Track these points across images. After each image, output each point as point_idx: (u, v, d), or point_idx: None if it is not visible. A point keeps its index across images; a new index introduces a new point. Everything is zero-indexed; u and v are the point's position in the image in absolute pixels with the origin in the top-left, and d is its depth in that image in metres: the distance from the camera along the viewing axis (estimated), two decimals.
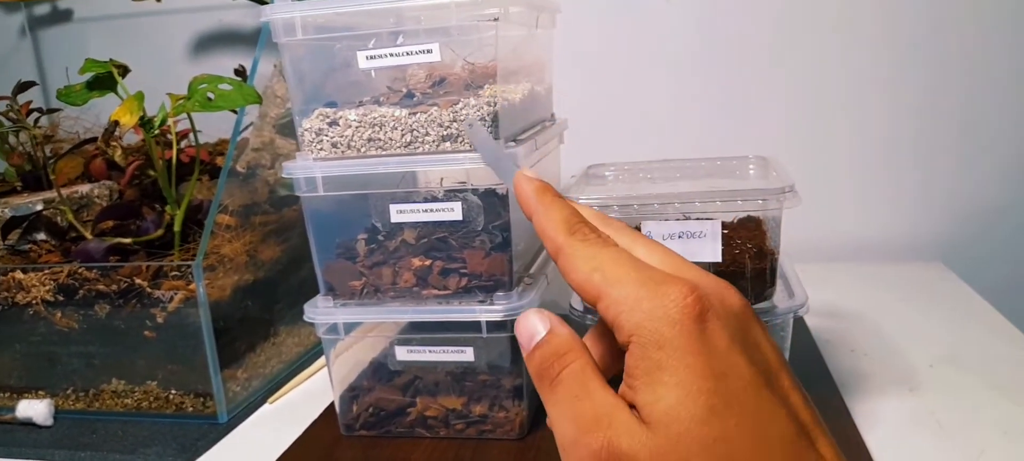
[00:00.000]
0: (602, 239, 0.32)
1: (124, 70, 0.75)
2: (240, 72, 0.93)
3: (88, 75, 0.72)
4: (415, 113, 0.56)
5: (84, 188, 0.86)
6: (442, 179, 0.60)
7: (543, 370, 0.31)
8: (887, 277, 0.93)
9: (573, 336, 0.32)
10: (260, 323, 0.77)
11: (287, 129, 0.80)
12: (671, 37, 0.99)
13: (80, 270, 0.69)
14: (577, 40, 0.97)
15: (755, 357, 0.28)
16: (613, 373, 0.32)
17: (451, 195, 0.58)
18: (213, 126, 0.92)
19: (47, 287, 0.70)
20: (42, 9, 1.17)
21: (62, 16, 1.17)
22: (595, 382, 0.30)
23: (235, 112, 0.71)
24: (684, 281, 0.28)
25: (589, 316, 0.59)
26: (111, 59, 0.74)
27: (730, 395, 0.26)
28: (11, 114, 0.92)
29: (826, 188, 0.99)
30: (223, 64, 1.08)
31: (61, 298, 0.70)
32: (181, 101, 0.69)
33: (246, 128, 0.79)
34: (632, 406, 0.28)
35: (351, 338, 0.63)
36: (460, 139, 0.55)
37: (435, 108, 0.56)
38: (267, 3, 0.88)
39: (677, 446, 0.26)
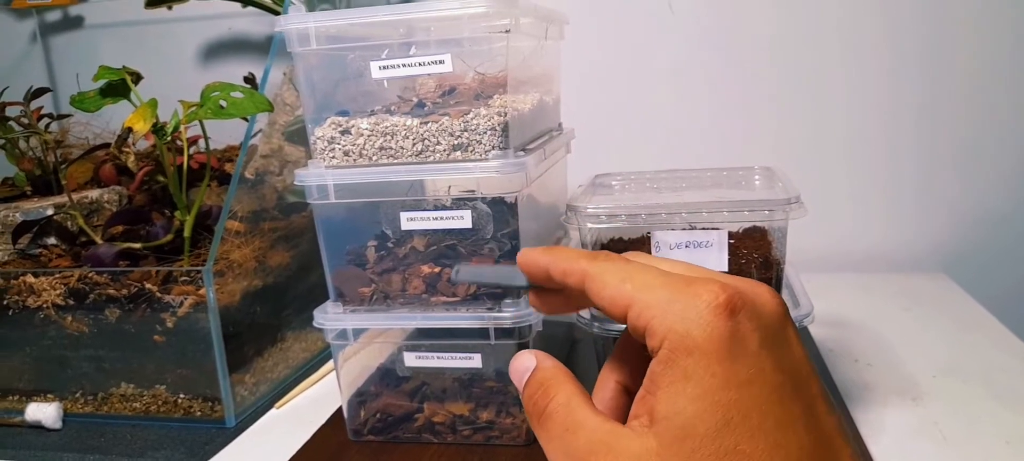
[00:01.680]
0: (625, 257, 0.31)
1: (137, 77, 0.76)
2: (250, 80, 0.94)
3: (102, 82, 0.73)
4: (426, 122, 0.57)
5: (94, 193, 0.87)
6: (450, 187, 0.60)
7: (531, 406, 0.31)
8: (890, 287, 0.94)
9: (558, 367, 0.31)
10: (268, 328, 0.78)
11: (296, 136, 0.81)
12: (676, 48, 1.00)
13: (90, 274, 0.70)
14: (584, 51, 0.98)
15: (785, 361, 0.27)
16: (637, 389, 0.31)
17: (460, 203, 0.58)
18: (221, 133, 0.93)
19: (58, 291, 0.71)
20: (53, 16, 1.18)
21: (73, 23, 1.18)
22: (584, 411, 0.29)
23: (246, 120, 0.72)
24: (715, 280, 0.28)
25: (596, 324, 0.60)
26: (124, 66, 0.75)
27: (752, 405, 0.26)
28: (23, 119, 0.93)
29: (829, 198, 0.99)
30: (232, 71, 1.09)
31: (71, 302, 0.71)
32: (193, 108, 0.70)
33: (255, 135, 0.80)
34: (647, 415, 0.27)
35: (359, 344, 0.64)
36: (470, 148, 0.56)
37: (446, 118, 0.56)
38: (278, 12, 0.89)
39: None
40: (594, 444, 0.28)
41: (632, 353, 0.32)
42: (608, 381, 0.33)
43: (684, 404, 0.26)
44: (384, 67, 0.57)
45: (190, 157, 0.85)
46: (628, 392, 0.32)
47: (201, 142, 0.78)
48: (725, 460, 0.25)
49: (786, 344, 0.28)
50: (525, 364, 0.32)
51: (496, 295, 0.59)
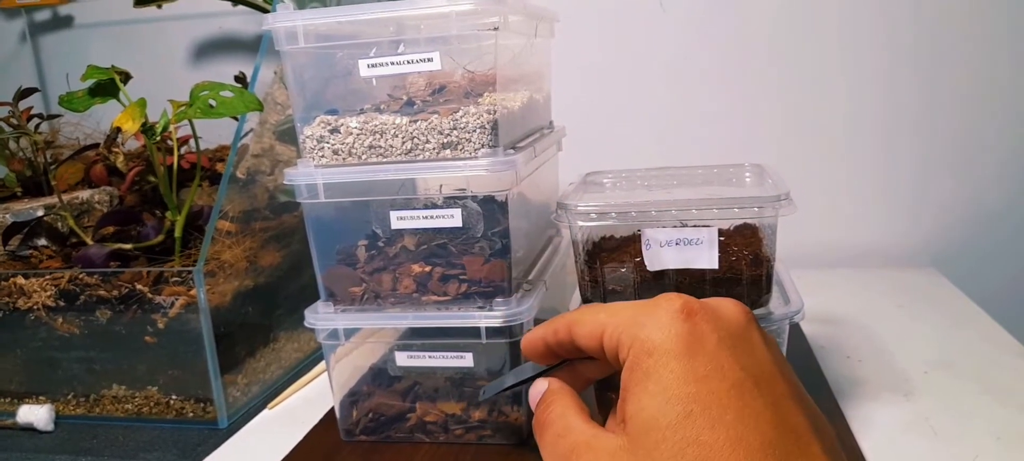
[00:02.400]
0: (605, 306, 0.35)
1: (126, 77, 0.76)
2: (240, 79, 0.94)
3: (90, 81, 0.73)
4: (416, 121, 0.57)
5: (84, 194, 0.86)
6: (442, 186, 0.60)
7: (536, 419, 0.35)
8: (881, 283, 0.94)
9: (562, 387, 0.35)
10: (260, 329, 0.78)
11: (287, 136, 0.80)
12: (668, 45, 1.00)
13: (81, 275, 0.70)
14: (575, 48, 0.98)
15: (746, 360, 0.29)
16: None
17: (451, 202, 0.58)
18: (212, 132, 0.93)
19: (48, 292, 0.71)
20: (43, 15, 1.18)
21: (63, 22, 1.18)
22: (575, 418, 0.33)
23: (236, 119, 0.72)
24: (677, 295, 0.30)
25: None
26: (113, 66, 0.75)
27: (710, 398, 0.27)
28: (12, 120, 0.93)
29: (821, 194, 1.00)
30: (223, 70, 1.09)
31: (62, 303, 0.70)
32: (183, 108, 0.69)
33: (246, 134, 0.80)
34: (622, 421, 0.30)
35: (351, 344, 0.64)
36: (460, 146, 0.56)
37: (435, 116, 0.56)
38: (268, 10, 0.89)
39: (653, 454, 0.27)
40: (578, 445, 0.31)
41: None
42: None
43: (647, 401, 0.28)
44: (372, 65, 0.57)
45: (181, 157, 0.85)
46: None
47: (193, 142, 0.78)
48: (687, 450, 0.26)
49: (748, 346, 0.30)
50: (538, 389, 0.37)
51: (487, 294, 0.59)
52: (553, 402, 0.34)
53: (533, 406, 0.37)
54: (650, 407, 0.28)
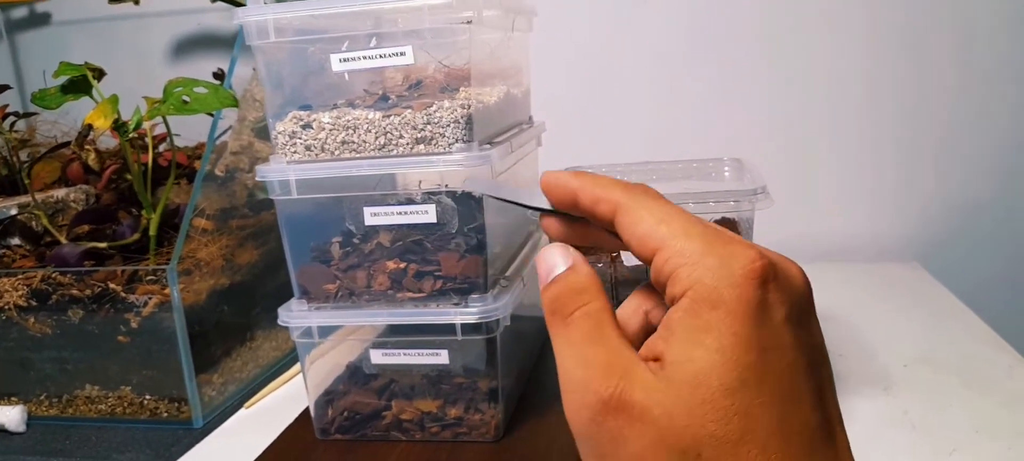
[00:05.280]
0: (662, 197, 0.30)
1: (99, 73, 0.75)
2: (219, 75, 0.93)
3: (63, 78, 0.72)
4: (389, 116, 0.56)
5: (60, 192, 0.85)
6: (420, 182, 0.60)
7: (557, 305, 0.29)
8: (863, 277, 0.94)
9: (594, 277, 0.30)
10: (237, 327, 0.77)
11: (266, 133, 0.79)
12: (651, 39, 1.00)
13: (54, 275, 0.69)
14: (556, 43, 0.98)
15: (805, 339, 0.27)
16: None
17: (426, 198, 0.58)
18: (193, 130, 0.92)
19: (20, 292, 0.70)
20: (19, 12, 1.16)
21: (40, 19, 1.16)
22: (611, 329, 0.28)
23: (211, 115, 0.71)
24: (752, 246, 0.27)
25: None
26: (86, 62, 0.73)
27: (767, 372, 0.26)
28: None
29: (803, 189, 0.99)
30: (203, 67, 1.08)
31: (34, 303, 0.69)
32: (156, 104, 0.69)
33: (225, 132, 0.79)
34: (655, 359, 0.27)
35: (329, 343, 0.63)
36: (434, 141, 0.55)
37: (409, 110, 0.56)
38: (243, 5, 0.88)
39: (695, 411, 0.25)
40: (612, 365, 0.27)
41: (654, 299, 0.31)
42: (637, 306, 0.32)
43: (701, 354, 0.26)
44: (345, 60, 0.56)
45: (159, 154, 0.84)
46: (649, 327, 0.31)
47: (172, 139, 0.77)
48: (734, 420, 0.25)
49: (809, 324, 0.28)
50: (555, 260, 0.30)
51: (463, 290, 0.58)
52: (589, 297, 0.29)
53: (545, 276, 0.31)
54: (704, 362, 0.26)
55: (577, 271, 0.30)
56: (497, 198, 0.35)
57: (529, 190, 0.34)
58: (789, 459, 0.25)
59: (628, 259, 0.57)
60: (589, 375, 0.27)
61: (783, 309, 0.27)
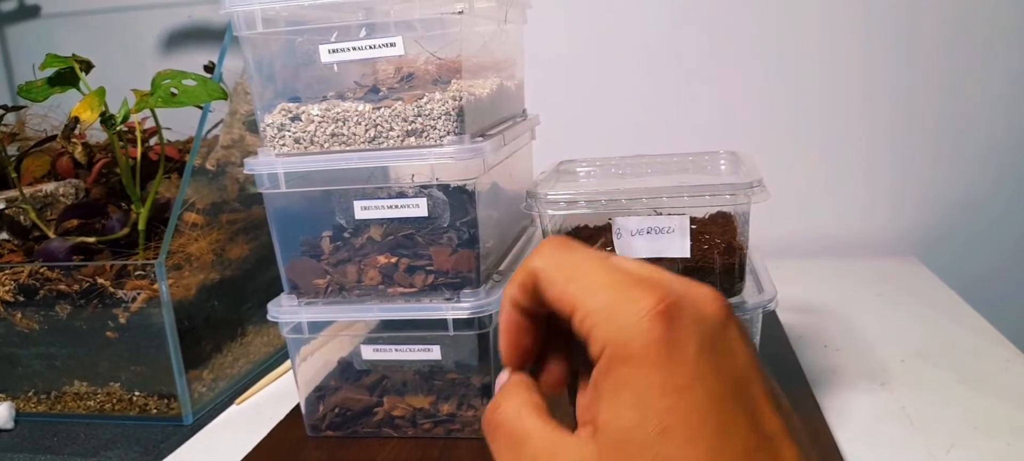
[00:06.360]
0: (576, 247, 0.30)
1: (87, 65, 0.74)
2: (210, 68, 0.92)
3: (50, 71, 0.71)
4: (379, 108, 0.55)
5: (49, 186, 0.84)
6: (413, 176, 0.59)
7: (485, 421, 0.30)
8: (860, 272, 0.93)
9: (518, 378, 0.31)
10: (227, 323, 0.76)
11: (257, 126, 0.79)
12: (645, 32, 0.99)
13: (42, 270, 0.68)
14: (552, 35, 0.97)
15: (726, 366, 0.27)
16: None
17: (417, 191, 0.57)
18: (186, 123, 0.91)
19: (7, 287, 0.69)
20: (9, 5, 1.15)
21: (29, 12, 1.15)
22: (532, 420, 0.28)
23: (200, 108, 0.70)
24: (656, 285, 0.27)
25: None
26: (74, 54, 0.72)
27: (690, 411, 0.26)
28: None
29: (801, 183, 0.99)
30: (194, 60, 1.07)
31: (21, 298, 0.68)
32: (144, 97, 0.68)
33: (216, 125, 0.78)
34: (591, 423, 0.27)
35: (319, 339, 0.62)
36: (425, 134, 0.55)
37: (400, 102, 0.55)
38: None
39: None
40: (538, 454, 0.27)
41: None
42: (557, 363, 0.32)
43: (622, 411, 0.26)
44: (334, 51, 0.55)
45: (149, 148, 0.83)
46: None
47: (163, 133, 0.76)
48: None
49: (727, 349, 0.28)
50: (498, 381, 0.31)
51: (455, 285, 0.57)
52: (504, 399, 0.29)
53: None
54: (625, 419, 0.26)
55: (500, 381, 0.31)
56: None
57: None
58: None
59: (621, 252, 0.57)
60: None
61: (694, 342, 0.26)
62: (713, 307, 0.28)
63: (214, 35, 1.09)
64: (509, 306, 0.31)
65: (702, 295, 0.28)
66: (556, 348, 0.32)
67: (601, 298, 0.27)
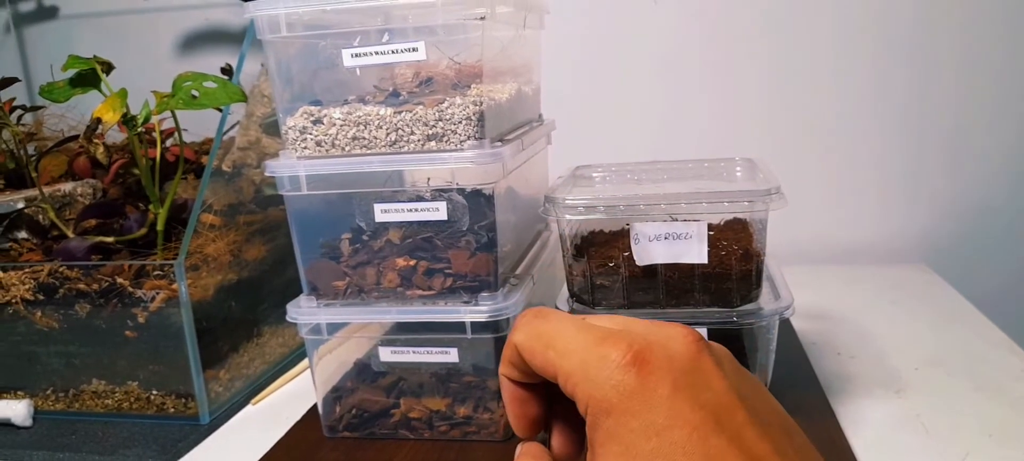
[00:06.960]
0: (550, 315, 0.32)
1: (108, 67, 0.75)
2: (227, 70, 0.93)
3: (71, 72, 0.71)
4: (400, 112, 0.55)
5: (67, 186, 0.85)
6: (429, 179, 0.59)
7: None
8: (873, 279, 0.93)
9: (527, 447, 0.33)
10: (244, 323, 0.77)
11: (274, 128, 0.79)
12: (660, 38, 0.99)
13: (61, 269, 0.68)
14: (568, 41, 0.97)
15: (704, 397, 0.28)
16: None
17: (436, 195, 0.57)
18: (201, 125, 0.92)
19: (27, 286, 0.69)
20: (27, 6, 1.16)
21: (47, 13, 1.16)
22: None
23: (220, 110, 0.70)
24: (623, 337, 0.29)
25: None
26: (95, 56, 0.73)
27: (673, 448, 0.27)
28: None
29: (814, 191, 0.99)
30: (211, 62, 1.07)
31: (41, 297, 0.69)
32: (165, 98, 0.68)
33: (232, 127, 0.78)
34: None
35: (336, 339, 0.63)
36: (445, 138, 0.55)
37: (420, 107, 0.55)
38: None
39: None
40: None
41: None
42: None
43: None
44: (357, 55, 0.55)
45: (166, 149, 0.83)
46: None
47: (179, 134, 0.77)
48: None
49: (702, 382, 0.29)
50: (516, 454, 0.33)
51: (473, 288, 0.58)
52: None
53: None
54: None
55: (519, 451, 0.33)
56: None
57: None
58: None
59: (639, 257, 0.57)
60: None
61: (667, 383, 0.28)
62: (682, 344, 0.29)
63: (230, 38, 1.10)
64: (505, 381, 0.33)
65: (670, 336, 0.30)
66: (566, 412, 0.34)
67: (576, 359, 0.29)
